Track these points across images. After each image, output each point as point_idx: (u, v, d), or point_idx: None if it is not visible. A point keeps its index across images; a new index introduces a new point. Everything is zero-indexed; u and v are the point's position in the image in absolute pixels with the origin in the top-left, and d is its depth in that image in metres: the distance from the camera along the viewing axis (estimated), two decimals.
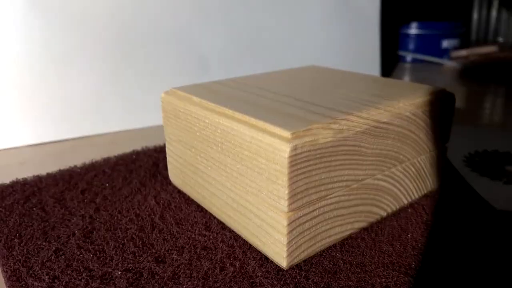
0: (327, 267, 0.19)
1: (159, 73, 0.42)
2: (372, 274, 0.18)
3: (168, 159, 0.26)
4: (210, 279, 0.18)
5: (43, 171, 0.29)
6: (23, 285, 0.18)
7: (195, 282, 0.18)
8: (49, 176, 0.28)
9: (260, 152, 0.18)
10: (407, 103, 0.21)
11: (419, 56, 0.70)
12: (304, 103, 0.21)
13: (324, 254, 0.20)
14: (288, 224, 0.17)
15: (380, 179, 0.21)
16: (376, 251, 0.20)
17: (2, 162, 0.32)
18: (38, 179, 0.27)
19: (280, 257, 0.18)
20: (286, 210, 0.17)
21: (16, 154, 0.34)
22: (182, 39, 0.43)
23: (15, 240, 0.21)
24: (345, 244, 0.20)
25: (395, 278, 0.18)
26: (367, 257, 0.19)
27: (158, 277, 0.18)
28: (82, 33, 0.38)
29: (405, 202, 0.23)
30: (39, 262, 0.19)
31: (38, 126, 0.36)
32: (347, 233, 0.21)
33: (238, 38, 0.46)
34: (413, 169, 0.23)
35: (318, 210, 0.19)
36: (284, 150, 0.16)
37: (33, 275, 0.18)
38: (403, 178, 0.22)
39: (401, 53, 0.73)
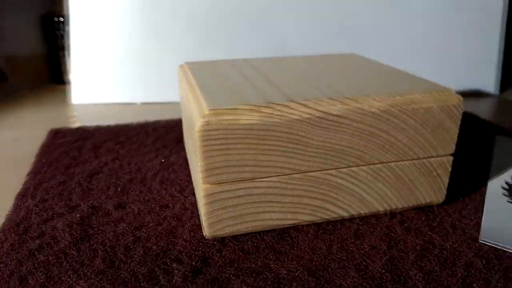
0: (246, 247, 0.19)
1: (238, 51, 0.45)
2: (281, 266, 0.18)
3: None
4: (143, 229, 0.20)
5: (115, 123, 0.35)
6: (23, 201, 0.23)
7: (128, 228, 0.20)
8: (106, 128, 0.34)
9: (193, 126, 0.19)
10: (379, 98, 0.19)
11: None
12: (275, 88, 0.21)
13: (256, 236, 0.20)
14: (204, 196, 0.18)
15: (335, 175, 0.20)
16: (301, 249, 0.19)
17: (96, 112, 0.40)
18: (97, 129, 0.34)
19: (203, 226, 0.19)
20: (201, 182, 0.18)
21: (107, 108, 0.41)
22: (264, 22, 0.45)
23: (44, 168, 0.27)
24: (285, 233, 0.20)
25: (298, 278, 0.17)
26: (290, 250, 0.19)
27: (107, 217, 0.21)
28: (176, 9, 0.43)
29: (380, 209, 0.21)
30: (44, 187, 0.24)
31: (130, 87, 0.43)
32: (289, 222, 0.20)
33: (322, 25, 0.45)
34: (388, 174, 0.21)
35: (245, 190, 0.19)
36: (197, 124, 0.17)
37: (32, 194, 0.23)
38: (372, 181, 0.20)
39: None
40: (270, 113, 0.18)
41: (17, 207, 0.22)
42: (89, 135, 0.32)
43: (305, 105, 0.19)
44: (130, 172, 0.26)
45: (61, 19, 0.47)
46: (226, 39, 0.44)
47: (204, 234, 0.20)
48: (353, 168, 0.20)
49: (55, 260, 0.18)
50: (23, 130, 0.35)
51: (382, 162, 0.20)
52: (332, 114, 0.19)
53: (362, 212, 0.21)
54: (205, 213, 0.19)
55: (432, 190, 0.22)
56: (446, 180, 0.22)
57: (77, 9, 0.42)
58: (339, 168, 0.20)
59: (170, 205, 0.22)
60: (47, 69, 0.53)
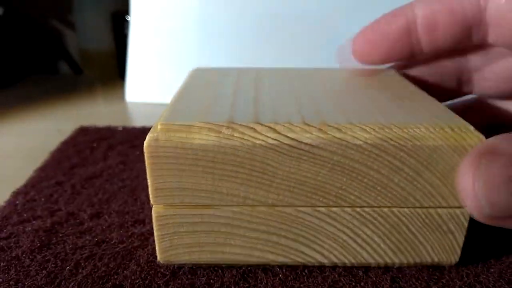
0: (197, 284, 0.17)
1: (293, 56, 0.42)
2: None
3: None
4: (103, 245, 0.19)
5: (148, 124, 0.35)
6: (16, 198, 0.23)
7: (89, 242, 0.19)
8: (131, 129, 0.34)
9: None
10: (368, 129, 0.16)
11: None
12: (256, 106, 0.18)
13: (215, 271, 0.18)
14: (156, 217, 0.17)
15: (310, 215, 0.17)
16: None
17: (144, 111, 0.41)
18: (121, 129, 0.34)
19: (157, 250, 0.18)
20: (152, 202, 0.17)
21: (157, 108, 0.42)
22: (325, 25, 0.41)
23: (51, 166, 0.27)
24: (251, 272, 0.18)
25: None
26: None
27: (77, 227, 0.21)
28: (235, 14, 0.41)
29: (371, 261, 0.17)
30: (41, 186, 0.25)
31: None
32: (255, 260, 0.18)
33: None
34: (381, 221, 0.17)
35: (201, 217, 0.17)
36: (146, 139, 0.16)
37: (26, 192, 0.24)
38: (358, 227, 0.17)
39: None
40: (230, 135, 0.16)
41: (8, 203, 0.23)
42: (110, 135, 0.32)
43: (273, 129, 0.16)
44: (126, 179, 0.25)
45: (129, 17, 0.49)
46: (284, 46, 0.42)
47: (158, 259, 0.18)
48: (333, 209, 0.17)
49: (5, 267, 0.18)
50: (69, 122, 0.36)
51: (372, 206, 0.16)
52: (304, 143, 0.16)
53: (346, 261, 0.17)
54: (158, 236, 0.17)
55: (441, 248, 0.17)
56: (460, 237, 0.17)
57: (138, 8, 0.43)
58: (314, 206, 0.17)
59: (146, 221, 0.21)
60: (116, 64, 0.56)
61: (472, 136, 0.16)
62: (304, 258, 0.17)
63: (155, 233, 0.17)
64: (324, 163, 0.16)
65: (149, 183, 0.16)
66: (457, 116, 0.17)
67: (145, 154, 0.16)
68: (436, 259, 0.17)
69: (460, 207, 0.16)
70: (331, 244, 0.17)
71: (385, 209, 0.16)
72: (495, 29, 0.21)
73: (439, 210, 0.16)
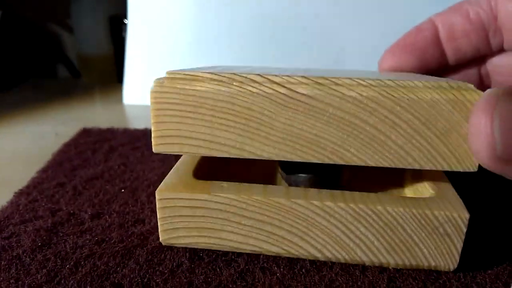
0: (195, 282, 0.17)
1: (291, 61, 0.42)
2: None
3: None
4: (103, 244, 0.19)
5: (147, 126, 0.36)
6: (18, 199, 0.24)
7: (89, 241, 0.20)
8: (132, 131, 0.34)
9: None
10: (365, 83, 0.16)
11: None
12: (261, 72, 0.18)
13: (214, 270, 0.18)
14: (159, 199, 0.18)
15: (304, 206, 0.17)
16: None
17: (143, 114, 0.41)
18: (123, 131, 0.34)
19: (159, 232, 0.19)
20: (153, 149, 0.17)
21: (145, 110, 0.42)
22: (321, 29, 0.42)
23: (53, 167, 0.27)
24: (249, 271, 0.18)
25: None
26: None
27: (78, 226, 0.21)
28: (231, 18, 0.42)
29: (365, 259, 0.18)
30: (43, 187, 0.25)
31: None
32: (251, 248, 0.18)
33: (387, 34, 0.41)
34: (375, 218, 0.17)
35: (201, 202, 0.18)
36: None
37: (29, 193, 0.24)
38: (352, 222, 0.17)
39: None
40: (229, 84, 0.16)
41: (10, 203, 0.23)
42: (112, 137, 0.33)
43: (271, 81, 0.16)
44: (127, 180, 0.26)
45: (127, 21, 0.49)
46: (283, 50, 0.43)
47: (160, 240, 0.19)
48: (327, 203, 0.17)
49: (6, 266, 0.18)
50: (67, 125, 0.37)
51: (366, 204, 0.17)
52: (300, 93, 0.16)
53: (340, 257, 0.18)
54: (160, 218, 0.18)
55: (438, 252, 0.17)
56: (459, 242, 0.17)
57: (135, 12, 0.43)
58: (310, 200, 0.17)
59: (146, 221, 0.21)
60: (114, 68, 0.56)
61: (472, 93, 0.15)
62: (297, 251, 0.18)
63: (158, 216, 0.18)
64: (319, 116, 0.16)
65: (152, 130, 0.17)
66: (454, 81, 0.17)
67: (150, 100, 0.17)
68: (433, 264, 0.17)
69: (458, 214, 0.16)
70: (325, 238, 0.17)
71: (379, 207, 0.17)
72: (508, 33, 0.21)
73: (435, 212, 0.16)
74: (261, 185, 0.18)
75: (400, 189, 0.22)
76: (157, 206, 0.18)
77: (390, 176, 0.24)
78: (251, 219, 0.18)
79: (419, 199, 0.17)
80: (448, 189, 0.18)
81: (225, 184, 0.18)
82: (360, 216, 0.17)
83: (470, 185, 0.25)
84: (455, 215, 0.16)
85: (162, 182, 0.18)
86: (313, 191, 0.18)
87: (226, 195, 0.17)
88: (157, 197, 0.18)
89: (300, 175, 0.20)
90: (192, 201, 0.18)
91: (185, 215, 0.18)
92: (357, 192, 0.17)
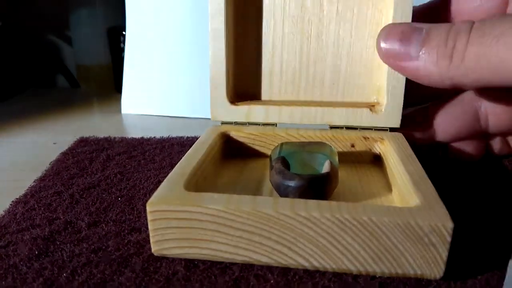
0: (186, 286, 0.18)
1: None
2: None
3: None
4: (99, 253, 0.20)
5: (145, 135, 0.36)
6: (16, 208, 0.24)
7: (86, 250, 0.20)
8: (129, 140, 0.34)
9: None
10: None
11: None
12: None
13: (209, 277, 0.18)
14: (148, 212, 0.18)
15: (290, 217, 0.17)
16: None
17: (136, 123, 0.41)
18: (120, 140, 0.34)
19: (151, 243, 0.19)
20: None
21: (152, 120, 0.42)
22: None
23: (50, 176, 0.28)
24: (243, 278, 0.18)
25: None
26: None
27: (75, 235, 0.21)
28: None
29: (352, 268, 0.18)
30: (40, 196, 0.25)
31: (175, 101, 0.44)
32: (241, 258, 0.18)
33: None
34: (360, 228, 0.17)
35: (189, 214, 0.18)
36: None
37: (26, 201, 0.24)
38: (338, 232, 0.17)
39: None
40: None
41: (8, 212, 0.23)
42: (109, 146, 0.33)
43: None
44: (124, 189, 0.26)
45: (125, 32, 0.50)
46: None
47: (152, 251, 0.19)
48: (313, 213, 0.17)
49: (3, 274, 0.18)
50: (65, 134, 0.37)
51: (351, 214, 0.17)
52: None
53: (328, 266, 0.18)
54: (151, 230, 0.18)
55: (424, 261, 0.17)
56: (444, 252, 0.17)
57: (133, 24, 0.44)
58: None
59: (142, 229, 0.22)
60: (112, 78, 0.56)
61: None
62: (286, 260, 0.18)
63: (149, 228, 0.18)
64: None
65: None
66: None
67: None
68: (419, 272, 0.17)
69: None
70: (312, 248, 0.18)
71: (364, 217, 0.17)
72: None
73: (419, 221, 0.17)
74: (250, 196, 0.18)
75: (389, 197, 0.23)
76: (148, 218, 0.18)
77: (379, 184, 0.24)
78: (240, 230, 0.18)
79: (403, 208, 0.17)
80: (433, 197, 0.18)
81: (215, 195, 0.18)
82: (346, 226, 0.17)
83: (457, 192, 0.25)
84: (439, 224, 0.16)
85: (153, 194, 0.19)
86: (299, 201, 0.18)
87: (215, 206, 0.18)
88: (148, 209, 0.18)
89: (290, 184, 0.20)
90: (182, 213, 0.18)
91: (176, 227, 0.18)
92: (343, 202, 0.18)
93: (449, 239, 0.17)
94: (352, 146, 0.27)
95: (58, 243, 0.20)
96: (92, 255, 0.19)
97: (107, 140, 0.34)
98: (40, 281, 0.18)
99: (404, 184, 0.21)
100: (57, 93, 0.57)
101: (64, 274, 0.18)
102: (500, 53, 0.20)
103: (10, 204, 0.24)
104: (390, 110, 0.27)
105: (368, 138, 0.27)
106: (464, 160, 0.29)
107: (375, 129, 0.27)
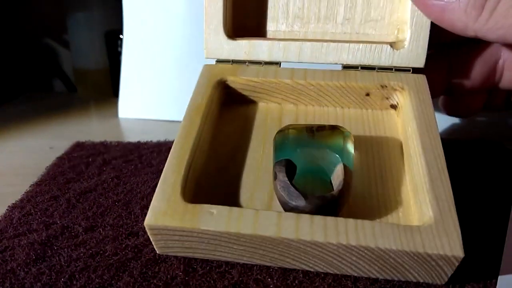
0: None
1: None
2: None
3: None
4: (97, 257, 0.19)
5: (142, 139, 0.36)
6: (12, 212, 0.24)
7: (84, 254, 0.20)
8: (125, 144, 0.34)
9: None
10: None
11: None
12: None
13: (209, 282, 0.18)
14: (147, 229, 0.18)
15: (294, 241, 0.17)
16: None
17: (133, 127, 0.41)
18: (116, 144, 0.34)
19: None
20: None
21: (149, 124, 0.42)
22: None
23: (47, 181, 0.27)
24: (242, 282, 0.18)
25: None
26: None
27: (72, 240, 0.21)
28: None
29: (355, 275, 0.18)
30: (36, 200, 0.25)
31: (173, 105, 0.43)
32: (246, 260, 0.18)
33: None
34: (367, 253, 0.17)
35: (190, 233, 0.17)
36: None
37: (22, 206, 0.24)
38: (344, 254, 0.17)
39: None
40: None
41: (4, 217, 0.23)
42: (105, 150, 0.33)
43: None
44: (120, 193, 0.26)
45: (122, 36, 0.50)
46: None
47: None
48: (318, 239, 0.16)
49: (0, 280, 0.18)
50: (62, 139, 0.37)
51: (358, 242, 0.16)
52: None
53: (331, 272, 0.18)
54: (153, 240, 0.18)
55: (428, 276, 0.17)
56: (449, 271, 0.17)
57: (130, 27, 0.44)
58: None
59: (139, 233, 0.21)
60: (110, 82, 0.56)
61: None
62: (290, 266, 0.18)
63: (151, 238, 0.18)
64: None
65: None
66: None
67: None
68: (421, 281, 0.18)
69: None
70: (317, 261, 0.17)
71: (371, 245, 0.16)
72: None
73: (428, 251, 0.16)
74: (252, 212, 0.17)
75: (403, 187, 0.21)
76: (149, 233, 0.18)
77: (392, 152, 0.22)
78: (243, 245, 0.17)
79: (414, 231, 0.16)
80: (449, 212, 0.17)
81: (214, 210, 0.17)
82: (352, 250, 0.16)
83: (458, 198, 0.25)
84: (449, 255, 0.16)
85: (150, 208, 0.18)
86: (304, 224, 0.17)
87: (215, 229, 0.17)
88: (146, 228, 0.18)
89: (297, 205, 0.18)
90: (181, 232, 0.17)
91: (177, 240, 0.18)
92: (351, 222, 0.17)
93: (456, 264, 0.16)
94: (367, 95, 0.23)
95: (55, 248, 0.20)
96: (90, 260, 0.19)
97: (103, 144, 0.34)
98: (38, 286, 0.18)
99: (420, 178, 0.19)
100: (54, 97, 0.56)
101: (62, 279, 0.18)
102: None
103: (7, 209, 0.24)
104: (414, 47, 0.22)
105: (387, 86, 0.23)
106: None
107: (395, 70, 0.23)
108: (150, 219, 0.17)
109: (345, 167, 0.19)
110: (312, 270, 0.18)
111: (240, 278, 0.18)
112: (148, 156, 0.32)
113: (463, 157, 0.29)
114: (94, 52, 0.55)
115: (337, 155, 0.19)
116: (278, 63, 0.24)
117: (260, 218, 0.17)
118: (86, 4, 0.54)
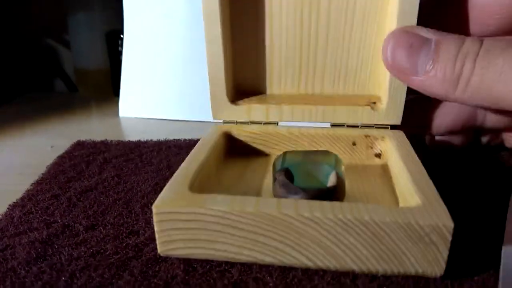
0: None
1: None
2: None
3: None
4: (98, 256, 0.20)
5: (143, 138, 0.36)
6: (13, 211, 0.24)
7: (84, 253, 0.20)
8: (125, 143, 0.34)
9: None
10: None
11: None
12: None
13: (208, 281, 0.18)
14: (155, 214, 0.18)
15: (294, 218, 0.17)
16: None
17: (134, 127, 0.41)
18: (117, 143, 0.34)
19: (157, 243, 0.19)
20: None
21: (150, 123, 0.42)
22: None
23: (47, 179, 0.28)
24: (242, 281, 0.18)
25: None
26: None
27: (73, 238, 0.21)
28: None
29: (354, 267, 0.18)
30: (37, 199, 0.25)
31: (173, 105, 0.44)
32: (245, 258, 0.18)
33: None
34: (363, 228, 0.17)
35: (194, 215, 0.18)
36: None
37: (23, 205, 0.24)
38: (341, 233, 0.17)
39: None
40: None
41: (5, 216, 0.23)
42: (106, 149, 0.33)
43: None
44: (121, 192, 0.26)
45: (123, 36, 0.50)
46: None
47: (158, 252, 0.19)
48: (316, 214, 0.17)
49: (1, 278, 0.18)
50: (63, 138, 0.37)
51: (353, 215, 0.17)
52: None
53: (330, 265, 0.18)
54: (158, 231, 0.18)
55: (425, 260, 0.17)
56: (444, 250, 0.17)
57: (131, 27, 0.44)
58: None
59: (140, 232, 0.22)
60: (110, 82, 0.56)
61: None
62: (290, 260, 0.18)
63: (156, 229, 0.18)
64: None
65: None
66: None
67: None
68: (420, 270, 0.18)
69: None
70: (316, 248, 0.18)
71: (366, 217, 0.17)
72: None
73: (420, 221, 0.17)
74: (254, 197, 0.18)
75: (391, 196, 0.23)
76: (154, 220, 0.18)
77: (380, 183, 0.24)
78: (245, 230, 0.18)
79: (404, 208, 0.18)
80: (434, 197, 0.19)
81: (219, 196, 0.18)
82: (348, 226, 0.17)
83: (457, 193, 0.25)
84: (440, 224, 0.17)
85: (159, 196, 0.19)
86: (303, 202, 0.18)
87: (220, 208, 0.18)
88: (154, 211, 0.18)
89: (295, 198, 0.20)
90: (187, 215, 0.18)
91: (182, 228, 0.18)
92: (346, 203, 0.18)
93: (449, 238, 0.17)
94: (354, 144, 0.27)
95: (56, 246, 0.20)
96: (91, 259, 0.19)
97: (104, 143, 0.34)
98: (39, 285, 0.18)
99: (405, 184, 0.21)
100: (55, 97, 0.57)
101: (63, 278, 0.18)
102: (500, 89, 0.21)
103: (8, 208, 0.24)
104: (391, 108, 0.26)
105: (369, 136, 0.27)
106: (450, 149, 0.29)
107: (376, 127, 0.27)
108: (158, 203, 0.18)
109: (337, 174, 0.21)
110: (311, 264, 0.18)
111: (240, 277, 0.18)
112: (149, 155, 0.32)
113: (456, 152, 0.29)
114: (95, 52, 0.56)
115: (330, 166, 0.22)
116: (276, 123, 0.28)
117: (262, 201, 0.18)
118: (87, 4, 0.54)
